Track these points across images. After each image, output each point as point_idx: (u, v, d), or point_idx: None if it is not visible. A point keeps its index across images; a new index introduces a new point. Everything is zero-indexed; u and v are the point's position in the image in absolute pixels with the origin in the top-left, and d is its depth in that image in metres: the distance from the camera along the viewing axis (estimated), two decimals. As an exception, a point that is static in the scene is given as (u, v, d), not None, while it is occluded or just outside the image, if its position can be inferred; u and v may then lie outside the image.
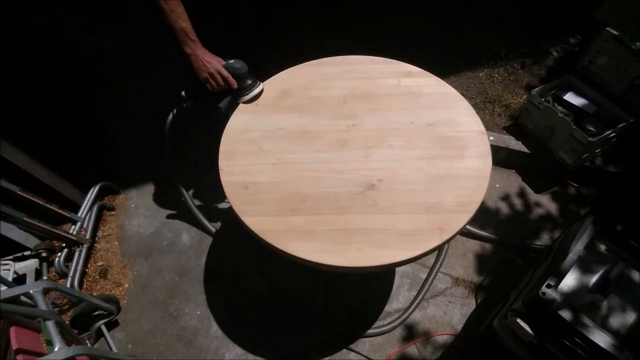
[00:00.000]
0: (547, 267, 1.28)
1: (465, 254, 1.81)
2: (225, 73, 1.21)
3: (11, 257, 1.65)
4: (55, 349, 1.09)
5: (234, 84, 1.22)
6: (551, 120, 1.87)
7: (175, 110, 1.23)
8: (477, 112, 1.19)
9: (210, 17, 1.31)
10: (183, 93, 1.25)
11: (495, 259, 1.79)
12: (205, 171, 1.78)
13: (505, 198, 1.97)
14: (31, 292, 1.20)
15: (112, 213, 2.01)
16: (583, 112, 1.89)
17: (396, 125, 1.16)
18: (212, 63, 1.20)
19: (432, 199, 1.00)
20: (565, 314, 1.12)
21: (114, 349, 1.58)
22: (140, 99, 2.46)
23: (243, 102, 1.25)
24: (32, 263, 1.68)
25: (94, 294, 1.73)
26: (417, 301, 1.65)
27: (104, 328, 1.60)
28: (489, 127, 2.09)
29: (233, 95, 1.27)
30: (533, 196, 1.98)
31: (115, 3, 2.98)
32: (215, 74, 1.20)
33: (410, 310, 1.63)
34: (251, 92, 1.25)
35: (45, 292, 1.23)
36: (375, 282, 1.74)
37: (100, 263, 1.83)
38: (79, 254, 1.76)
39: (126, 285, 1.79)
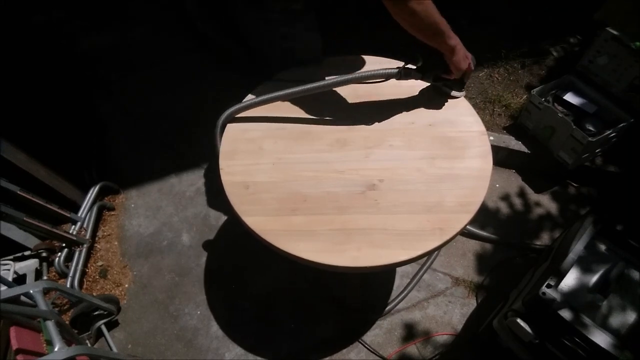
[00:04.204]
0: (547, 267, 1.28)
1: (465, 254, 1.81)
2: (472, 66, 1.14)
3: (11, 257, 1.65)
4: (56, 349, 1.09)
5: (467, 80, 1.20)
6: (551, 120, 1.87)
7: (403, 67, 1.12)
8: (477, 112, 1.19)
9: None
10: (420, 60, 1.12)
11: (495, 259, 1.79)
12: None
13: (505, 198, 1.97)
14: (31, 292, 1.19)
15: (112, 213, 2.01)
16: (583, 112, 1.89)
17: (396, 125, 1.16)
18: (469, 54, 1.12)
19: (432, 199, 1.00)
20: (565, 314, 1.12)
21: (114, 349, 1.58)
22: (140, 99, 2.46)
23: (451, 96, 1.21)
24: (32, 263, 1.67)
25: (94, 294, 1.73)
26: (410, 286, 1.69)
27: (104, 328, 1.60)
28: (489, 127, 2.09)
29: (449, 85, 1.19)
30: (533, 196, 1.98)
31: (115, 3, 2.98)
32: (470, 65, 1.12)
33: (401, 297, 1.66)
34: (464, 91, 1.23)
35: (45, 292, 1.23)
36: (375, 282, 1.74)
37: (100, 263, 1.83)
38: (79, 254, 1.76)
39: (126, 285, 1.78)
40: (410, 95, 1.24)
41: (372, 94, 1.24)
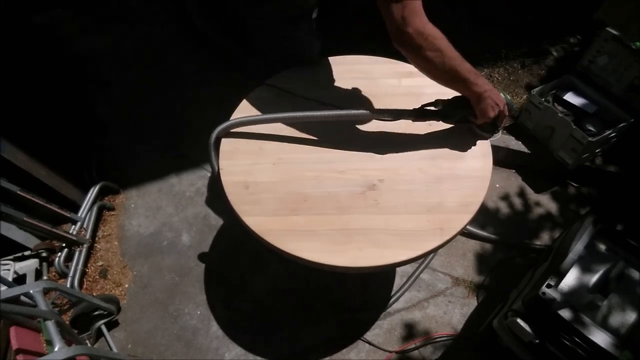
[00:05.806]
0: (547, 267, 1.28)
1: (465, 254, 1.81)
2: (506, 112, 1.03)
3: (11, 257, 1.65)
4: (56, 349, 1.09)
5: (502, 124, 1.07)
6: (551, 120, 1.87)
7: (419, 107, 1.05)
8: (477, 112, 1.18)
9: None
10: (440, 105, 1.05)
11: (495, 259, 1.79)
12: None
13: (505, 198, 1.97)
14: (31, 292, 1.19)
15: (112, 213, 2.01)
16: (583, 112, 1.89)
17: (397, 124, 1.16)
18: (500, 101, 1.01)
19: (433, 199, 1.00)
20: (565, 314, 1.12)
21: (114, 349, 1.58)
22: (140, 99, 2.46)
23: (483, 139, 1.10)
24: (32, 263, 1.67)
25: (94, 294, 1.73)
26: (407, 284, 1.70)
27: (104, 328, 1.60)
28: (489, 127, 2.09)
29: (478, 128, 1.08)
30: (533, 196, 1.99)
31: (115, 3, 2.98)
32: (497, 113, 1.01)
33: (398, 295, 1.67)
34: (498, 133, 1.12)
35: (45, 292, 1.23)
36: (375, 282, 1.74)
37: (100, 263, 1.83)
38: (79, 254, 1.76)
39: (126, 285, 1.78)
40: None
41: (372, 93, 1.24)
